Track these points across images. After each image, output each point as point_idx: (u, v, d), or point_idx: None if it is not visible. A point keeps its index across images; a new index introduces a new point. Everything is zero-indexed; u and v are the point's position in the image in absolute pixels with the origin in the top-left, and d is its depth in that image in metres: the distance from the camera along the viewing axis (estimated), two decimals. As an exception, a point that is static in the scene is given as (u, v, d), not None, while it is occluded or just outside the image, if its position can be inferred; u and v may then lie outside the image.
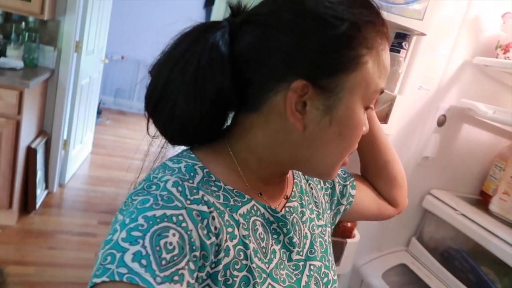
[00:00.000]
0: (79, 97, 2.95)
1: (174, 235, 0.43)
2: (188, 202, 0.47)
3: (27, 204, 2.56)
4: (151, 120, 0.55)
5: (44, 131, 2.73)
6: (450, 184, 1.39)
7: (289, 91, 0.49)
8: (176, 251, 0.42)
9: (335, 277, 0.65)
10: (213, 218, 0.48)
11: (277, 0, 0.52)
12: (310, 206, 0.67)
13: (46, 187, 2.84)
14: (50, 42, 2.59)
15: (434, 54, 1.22)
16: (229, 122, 0.59)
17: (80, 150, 3.37)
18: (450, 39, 1.23)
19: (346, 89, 0.49)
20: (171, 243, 0.42)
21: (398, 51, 1.05)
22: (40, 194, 2.70)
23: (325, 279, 0.63)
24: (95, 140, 3.92)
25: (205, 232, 0.47)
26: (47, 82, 2.62)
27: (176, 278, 0.41)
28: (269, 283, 0.53)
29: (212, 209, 0.49)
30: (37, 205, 2.63)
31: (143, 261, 0.39)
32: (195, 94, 0.50)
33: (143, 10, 5.02)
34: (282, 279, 0.56)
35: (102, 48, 3.44)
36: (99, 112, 4.83)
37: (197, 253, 0.45)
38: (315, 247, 0.63)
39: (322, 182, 0.73)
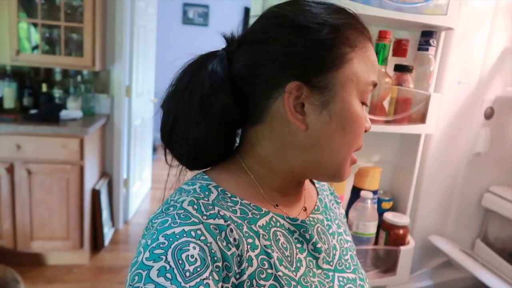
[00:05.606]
0: (134, 137, 3.15)
1: (194, 248, 0.45)
2: (205, 217, 0.49)
3: (96, 242, 2.73)
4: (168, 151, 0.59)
5: (106, 172, 2.93)
6: (510, 179, 1.30)
7: (285, 93, 0.52)
8: (198, 263, 0.44)
9: None
10: (231, 230, 0.50)
11: (262, 19, 0.57)
12: (336, 222, 0.68)
13: (113, 225, 3.02)
14: (104, 90, 2.81)
15: (470, 46, 1.18)
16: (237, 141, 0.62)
17: (140, 187, 3.56)
18: (484, 28, 1.19)
19: (338, 84, 0.52)
20: (192, 256, 0.44)
21: (427, 49, 1.03)
22: (108, 232, 2.87)
23: None
24: (154, 176, 4.11)
25: (224, 243, 0.49)
26: (104, 127, 2.83)
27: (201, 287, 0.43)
28: None
29: (229, 222, 0.51)
30: (106, 243, 2.80)
31: (168, 275, 0.42)
32: (204, 117, 0.55)
33: (184, 47, 5.28)
34: (313, 286, 0.56)
35: (150, 89, 3.66)
36: (154, 149, 5.08)
37: (219, 264, 0.47)
38: (344, 259, 0.64)
39: (340, 209, 0.75)
